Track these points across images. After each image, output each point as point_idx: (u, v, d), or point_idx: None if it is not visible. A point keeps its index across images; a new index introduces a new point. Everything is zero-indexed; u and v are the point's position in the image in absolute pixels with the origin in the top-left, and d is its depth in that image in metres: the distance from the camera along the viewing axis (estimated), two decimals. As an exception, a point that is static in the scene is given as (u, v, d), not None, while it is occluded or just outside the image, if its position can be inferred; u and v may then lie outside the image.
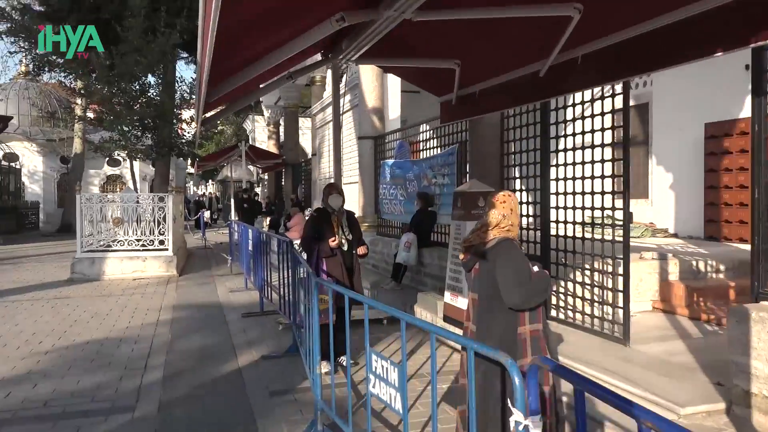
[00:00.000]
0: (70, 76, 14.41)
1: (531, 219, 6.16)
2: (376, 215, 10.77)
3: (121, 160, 25.98)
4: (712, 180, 8.62)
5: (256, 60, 4.34)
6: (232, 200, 18.26)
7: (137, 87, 13.16)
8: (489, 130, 6.63)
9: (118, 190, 26.58)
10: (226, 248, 13.79)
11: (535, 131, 5.99)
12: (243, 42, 3.80)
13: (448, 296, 5.82)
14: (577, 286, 5.48)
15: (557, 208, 5.76)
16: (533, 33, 3.92)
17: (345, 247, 5.19)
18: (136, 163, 21.45)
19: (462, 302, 5.45)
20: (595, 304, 5.23)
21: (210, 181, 49.98)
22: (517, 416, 1.90)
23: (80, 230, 11.20)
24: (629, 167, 4.95)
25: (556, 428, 2.83)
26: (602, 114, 5.19)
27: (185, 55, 15.64)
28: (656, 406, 3.56)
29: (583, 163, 5.38)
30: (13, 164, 25.28)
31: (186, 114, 14.80)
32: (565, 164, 5.63)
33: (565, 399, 3.12)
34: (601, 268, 5.22)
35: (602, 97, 5.20)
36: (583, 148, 5.38)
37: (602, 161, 5.24)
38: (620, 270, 4.93)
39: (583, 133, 5.39)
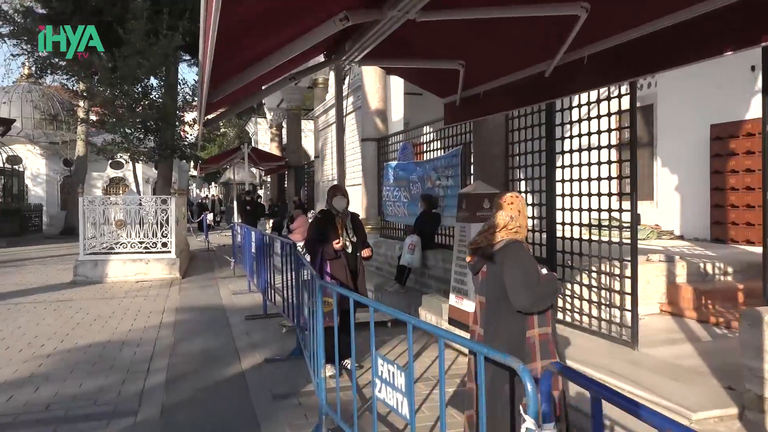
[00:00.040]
0: (73, 79, 14.40)
1: (537, 221, 6.11)
2: (380, 217, 10.72)
3: (124, 162, 26.04)
4: (718, 181, 8.55)
5: (258, 61, 4.32)
6: (235, 202, 18.26)
7: (140, 89, 13.14)
8: (493, 132, 6.57)
9: (120, 192, 26.60)
10: (229, 251, 13.78)
11: (540, 132, 5.93)
12: (244, 42, 3.78)
13: (452, 299, 5.77)
14: (584, 288, 5.42)
15: (563, 209, 5.70)
16: (538, 33, 3.88)
17: (349, 250, 5.13)
18: (139, 166, 21.44)
19: (467, 305, 5.40)
20: (603, 307, 5.17)
21: (213, 183, 50.00)
22: (529, 423, 1.84)
23: (83, 233, 11.20)
24: (637, 168, 4.89)
25: (566, 434, 2.78)
26: (609, 115, 5.13)
27: (187, 57, 15.62)
28: (667, 410, 3.49)
29: (589, 164, 5.32)
30: (16, 167, 25.32)
31: (188, 116, 14.74)
32: (571, 165, 5.57)
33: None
34: (608, 270, 5.16)
35: (608, 98, 5.15)
36: (589, 149, 5.32)
37: (609, 162, 5.18)
38: (628, 272, 4.87)
39: (589, 134, 5.33)
